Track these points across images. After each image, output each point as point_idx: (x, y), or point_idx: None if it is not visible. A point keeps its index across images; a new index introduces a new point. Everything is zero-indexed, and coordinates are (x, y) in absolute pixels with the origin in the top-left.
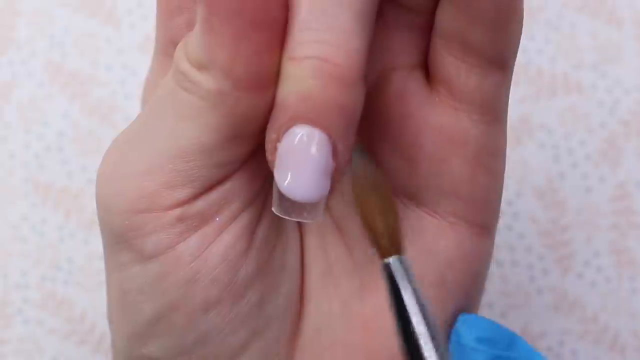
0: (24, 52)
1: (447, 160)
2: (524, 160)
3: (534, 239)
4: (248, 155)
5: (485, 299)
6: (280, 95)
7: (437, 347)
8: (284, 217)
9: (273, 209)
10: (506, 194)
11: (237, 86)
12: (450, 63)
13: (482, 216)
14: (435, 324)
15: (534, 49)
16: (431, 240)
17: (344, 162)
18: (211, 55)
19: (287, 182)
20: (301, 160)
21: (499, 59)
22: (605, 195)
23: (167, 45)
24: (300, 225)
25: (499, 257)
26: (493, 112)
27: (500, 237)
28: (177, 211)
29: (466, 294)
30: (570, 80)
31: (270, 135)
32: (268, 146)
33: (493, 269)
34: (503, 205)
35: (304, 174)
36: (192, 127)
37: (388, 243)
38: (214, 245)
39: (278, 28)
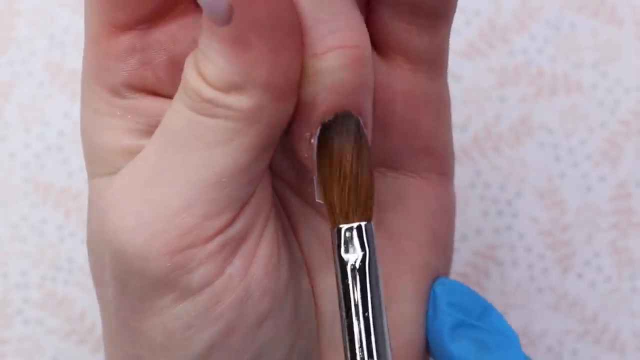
0: (24, 51)
1: (417, 120)
2: (524, 160)
3: (534, 238)
4: (269, 163)
5: (485, 298)
6: (310, 92)
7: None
8: None
9: (318, 199)
10: (506, 194)
11: (278, 97)
12: (402, 29)
13: (446, 165)
14: (375, 301)
15: (534, 49)
16: (414, 199)
17: (370, 135)
18: (248, 73)
19: None
20: None
21: (445, 13)
22: (606, 195)
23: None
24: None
25: (499, 257)
26: (442, 65)
27: (500, 237)
28: (219, 238)
29: (448, 245)
30: (570, 80)
31: (304, 134)
32: (301, 145)
33: (493, 268)
34: (503, 205)
35: None
36: (226, 152)
37: (329, 213)
38: (256, 260)
39: (300, 29)
